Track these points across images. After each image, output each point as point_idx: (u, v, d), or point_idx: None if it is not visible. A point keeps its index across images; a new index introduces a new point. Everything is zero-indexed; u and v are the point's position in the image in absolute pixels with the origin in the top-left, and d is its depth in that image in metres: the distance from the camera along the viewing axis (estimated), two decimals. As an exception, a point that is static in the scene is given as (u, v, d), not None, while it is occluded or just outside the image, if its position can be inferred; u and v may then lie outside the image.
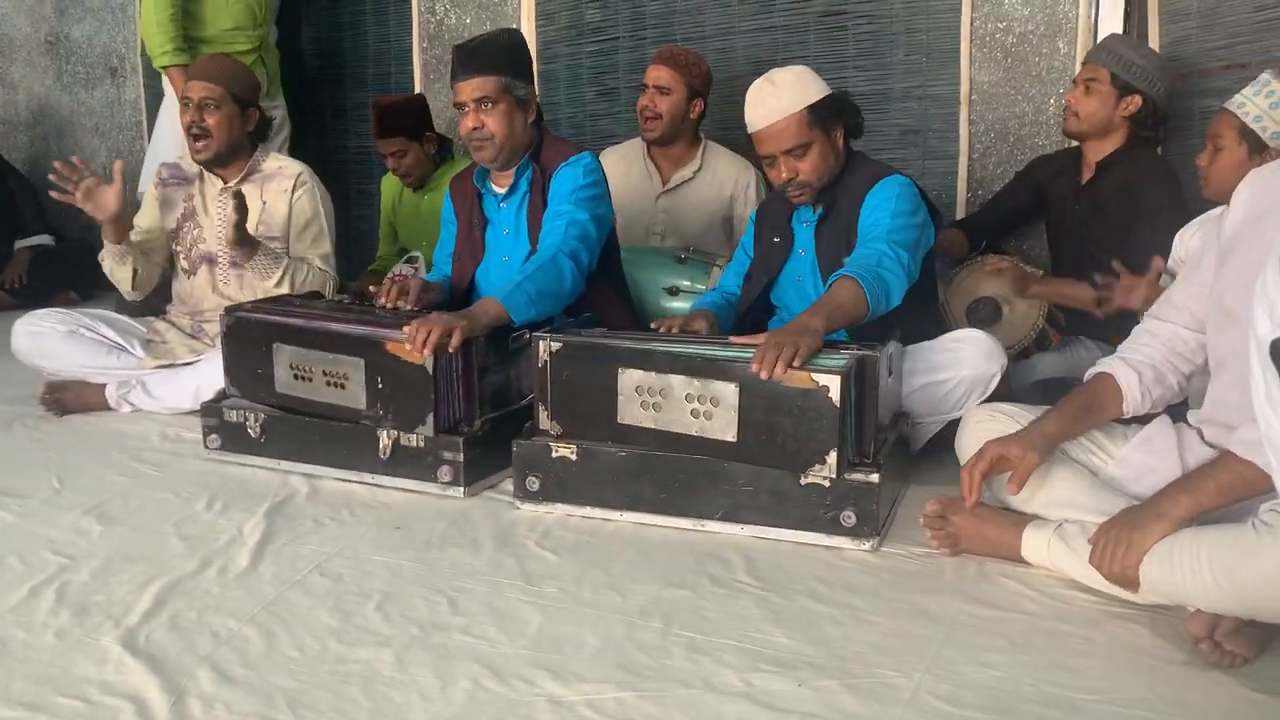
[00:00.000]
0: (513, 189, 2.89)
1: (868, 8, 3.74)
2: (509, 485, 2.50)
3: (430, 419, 2.47)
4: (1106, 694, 1.66)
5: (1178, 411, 2.16)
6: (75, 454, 2.84)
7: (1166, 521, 1.80)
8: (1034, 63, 3.56)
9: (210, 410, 2.79)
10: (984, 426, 2.25)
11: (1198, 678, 1.71)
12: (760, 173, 3.60)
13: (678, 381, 2.25)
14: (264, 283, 3.14)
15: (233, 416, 2.75)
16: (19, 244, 5.04)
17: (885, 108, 3.71)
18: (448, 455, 2.50)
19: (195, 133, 3.15)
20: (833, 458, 2.14)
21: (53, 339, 3.20)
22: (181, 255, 3.32)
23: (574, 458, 2.37)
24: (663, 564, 2.15)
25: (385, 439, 2.55)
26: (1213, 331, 1.99)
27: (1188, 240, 2.51)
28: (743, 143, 3.74)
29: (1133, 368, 2.08)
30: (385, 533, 2.33)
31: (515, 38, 2.90)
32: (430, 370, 2.43)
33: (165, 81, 4.02)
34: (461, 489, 2.51)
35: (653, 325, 2.61)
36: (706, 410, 2.24)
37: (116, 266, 3.23)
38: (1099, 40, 3.29)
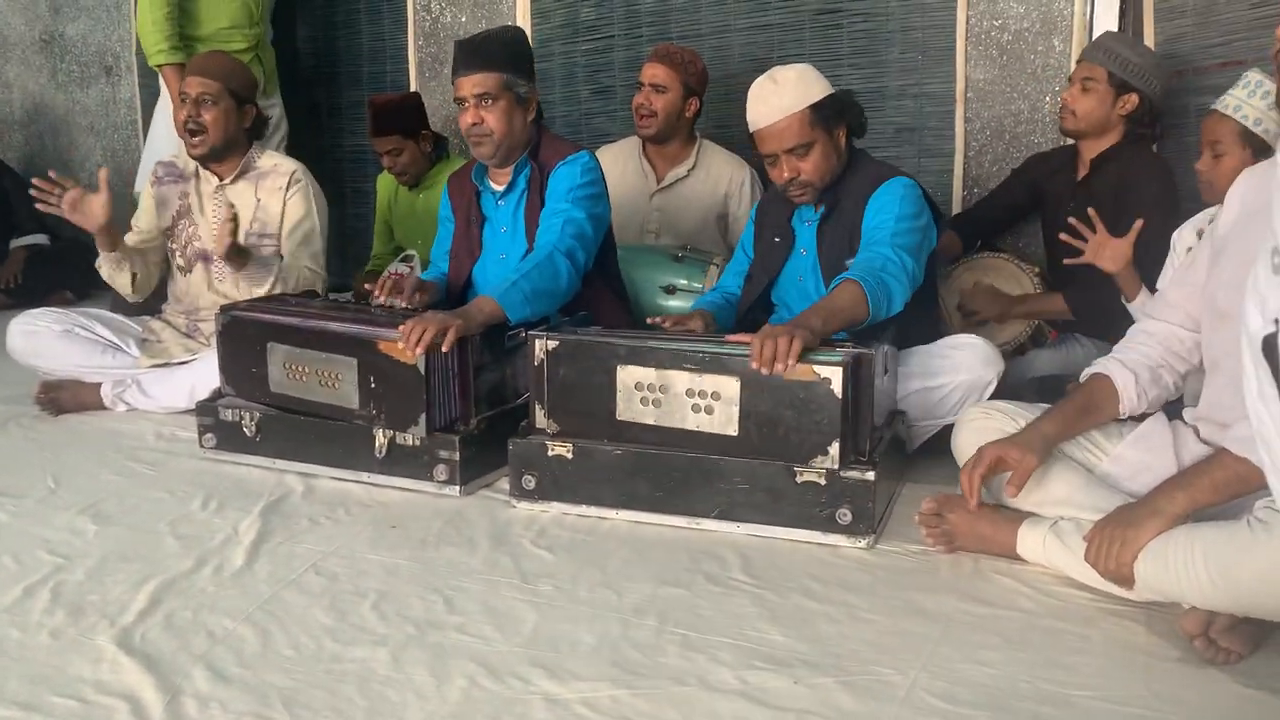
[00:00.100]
0: (511, 186, 2.89)
1: (863, 5, 3.74)
2: (505, 484, 2.50)
3: (423, 419, 2.47)
4: (1102, 691, 1.66)
5: (1173, 409, 2.16)
6: (70, 453, 2.83)
7: (1162, 519, 1.80)
8: (1029, 60, 3.56)
9: (205, 409, 2.79)
10: (980, 424, 2.25)
11: (1193, 675, 1.71)
12: (755, 171, 3.60)
13: (678, 377, 2.26)
14: (256, 290, 3.14)
15: (228, 415, 2.75)
16: (14, 243, 5.03)
17: (880, 105, 3.71)
18: (443, 454, 2.50)
19: (191, 128, 3.15)
20: (835, 449, 2.15)
21: (48, 338, 3.20)
22: (177, 253, 3.31)
23: (570, 456, 2.37)
24: (658, 562, 2.15)
25: (381, 438, 2.55)
26: (1207, 331, 2.00)
27: (1185, 238, 2.51)
28: (738, 141, 3.74)
29: (1129, 369, 2.08)
30: (381, 531, 2.32)
31: (518, 35, 2.90)
32: (422, 370, 2.43)
33: (161, 80, 4.01)
34: (457, 488, 2.51)
35: (649, 322, 2.61)
36: (708, 405, 2.24)
37: (115, 273, 3.23)
38: (1094, 38, 3.30)
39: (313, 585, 2.06)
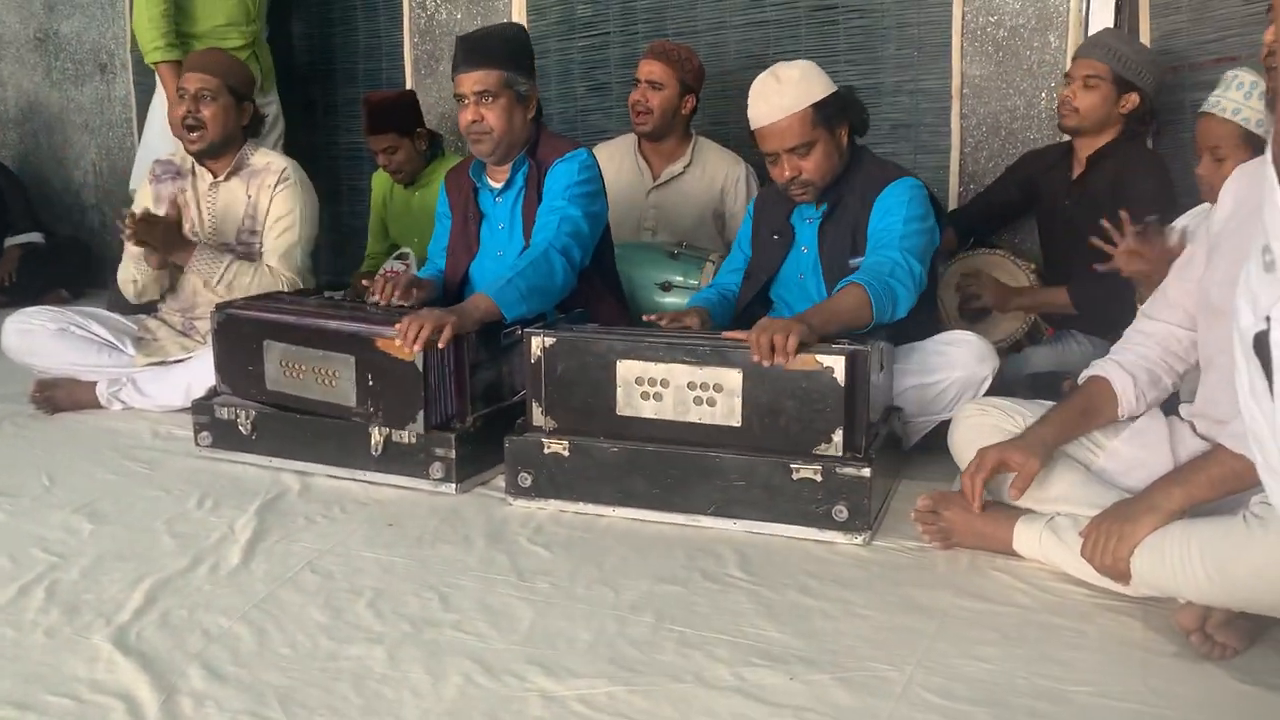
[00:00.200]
0: (509, 184, 2.89)
1: (859, 2, 3.74)
2: (501, 481, 2.49)
3: (421, 416, 2.47)
4: (1098, 686, 1.66)
5: (1169, 405, 2.16)
6: (66, 452, 2.83)
7: (1158, 514, 1.80)
8: (1025, 56, 3.56)
9: (201, 408, 2.78)
10: (976, 421, 2.26)
11: (1189, 670, 1.71)
12: (751, 167, 3.60)
13: (680, 370, 2.26)
14: (205, 287, 3.13)
15: (224, 414, 2.74)
16: (9, 241, 5.01)
17: (876, 102, 3.70)
18: (439, 452, 2.50)
19: (190, 124, 3.15)
20: (839, 437, 2.17)
21: (43, 337, 3.19)
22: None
23: (566, 453, 2.37)
24: (655, 559, 2.15)
25: (377, 436, 2.55)
26: (1202, 328, 2.00)
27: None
28: (734, 137, 3.75)
29: (1127, 371, 2.08)
30: (377, 529, 2.32)
31: (519, 32, 2.89)
32: (420, 368, 2.43)
33: (157, 77, 4.00)
34: (453, 485, 2.50)
35: (645, 319, 2.61)
36: (710, 397, 2.25)
37: (148, 284, 3.27)
38: (1091, 34, 3.29)
39: (309, 583, 2.06)
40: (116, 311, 3.43)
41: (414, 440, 2.51)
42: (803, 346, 2.18)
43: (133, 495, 2.53)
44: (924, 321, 2.70)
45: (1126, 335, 2.16)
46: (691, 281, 3.22)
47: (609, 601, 1.98)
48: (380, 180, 4.11)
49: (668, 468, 2.30)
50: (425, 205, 3.79)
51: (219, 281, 3.11)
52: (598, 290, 2.92)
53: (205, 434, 2.77)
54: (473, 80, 2.74)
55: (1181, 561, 1.74)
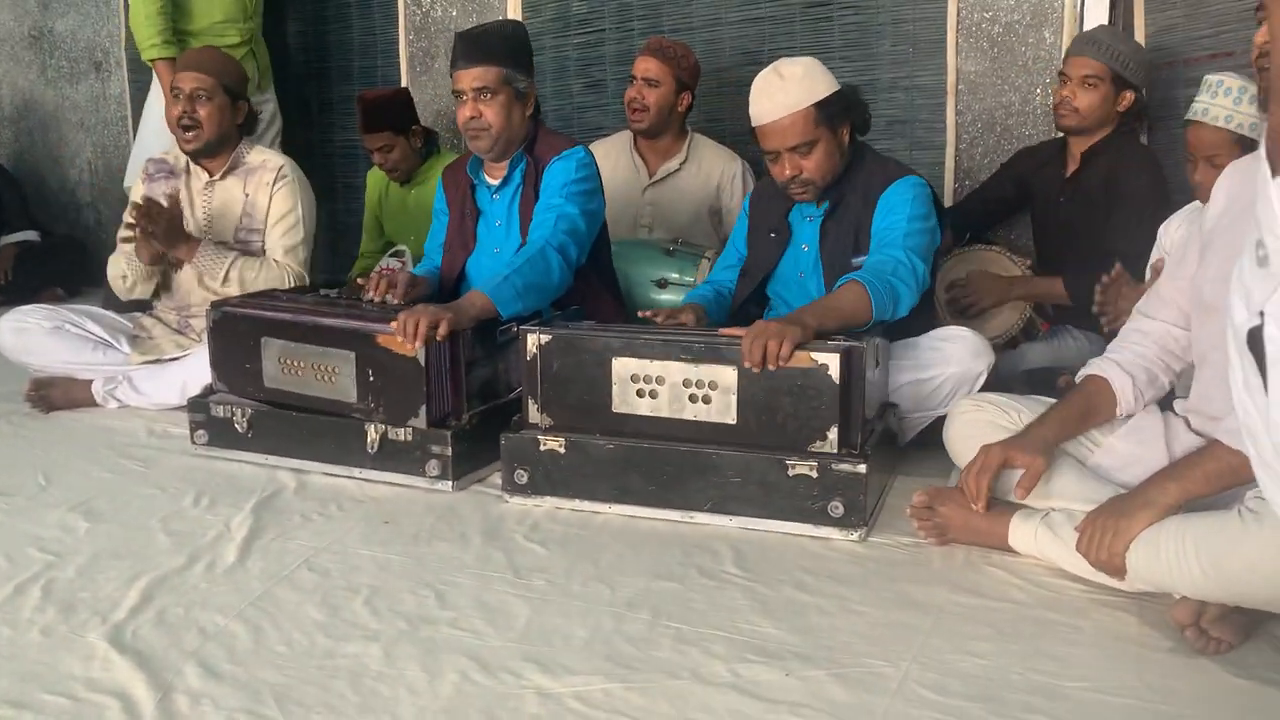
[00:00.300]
0: (506, 181, 2.89)
1: (854, -2, 3.74)
2: (497, 479, 2.49)
3: (423, 411, 2.47)
4: (1093, 681, 1.67)
5: (1165, 400, 2.17)
6: (61, 450, 2.82)
7: (1154, 509, 1.81)
8: (1020, 53, 3.56)
9: (197, 405, 2.78)
10: (971, 416, 2.26)
11: (1184, 665, 1.72)
12: (747, 163, 3.60)
13: (676, 368, 2.26)
14: (211, 283, 3.12)
15: (219, 412, 2.74)
16: (4, 240, 5.00)
17: (872, 98, 3.65)
18: (436, 449, 2.50)
19: (185, 123, 3.14)
20: (834, 434, 2.17)
21: (38, 335, 3.19)
22: (169, 249, 3.30)
23: (562, 450, 2.37)
24: (651, 556, 2.15)
25: (373, 433, 2.55)
26: (1195, 325, 2.00)
27: (1172, 232, 2.51)
28: (730, 134, 3.74)
29: (1126, 371, 2.09)
30: (373, 527, 2.32)
31: (518, 29, 2.88)
32: (422, 363, 2.43)
33: (153, 75, 3.99)
34: (450, 483, 2.50)
35: (640, 316, 2.61)
36: (705, 394, 2.26)
37: (140, 282, 3.25)
38: (1086, 30, 3.29)
39: (305, 581, 2.06)
40: (112, 309, 3.43)
41: (410, 437, 2.51)
42: (798, 347, 2.17)
43: (128, 493, 2.53)
44: (921, 318, 2.70)
45: (1123, 334, 2.17)
46: (687, 278, 3.22)
47: (605, 598, 1.98)
48: (375, 178, 4.10)
49: (663, 464, 2.30)
50: (421, 203, 3.79)
51: (225, 276, 3.10)
52: (594, 287, 2.92)
53: (201, 432, 2.77)
54: (471, 76, 2.73)
55: (1177, 556, 1.74)
